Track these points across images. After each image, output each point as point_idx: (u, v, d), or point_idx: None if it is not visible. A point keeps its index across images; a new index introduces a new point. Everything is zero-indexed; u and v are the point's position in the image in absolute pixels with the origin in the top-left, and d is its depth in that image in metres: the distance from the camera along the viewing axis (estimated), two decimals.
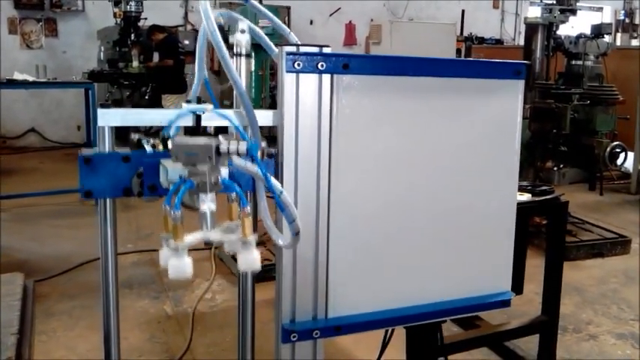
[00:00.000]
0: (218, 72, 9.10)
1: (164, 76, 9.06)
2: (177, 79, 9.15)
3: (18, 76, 7.04)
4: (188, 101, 1.31)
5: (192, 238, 1.06)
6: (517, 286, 2.91)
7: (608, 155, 5.39)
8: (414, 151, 1.36)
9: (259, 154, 1.17)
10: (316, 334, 1.30)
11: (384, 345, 1.88)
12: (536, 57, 5.93)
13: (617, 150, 5.40)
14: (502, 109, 1.43)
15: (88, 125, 7.59)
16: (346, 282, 1.34)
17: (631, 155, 6.72)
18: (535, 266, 3.72)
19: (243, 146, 1.03)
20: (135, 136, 1.39)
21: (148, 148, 1.34)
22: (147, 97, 9.35)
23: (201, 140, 1.06)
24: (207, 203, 1.07)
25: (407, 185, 1.36)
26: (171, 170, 1.09)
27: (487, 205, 1.44)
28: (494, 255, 1.48)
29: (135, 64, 9.23)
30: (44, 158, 10.06)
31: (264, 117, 1.32)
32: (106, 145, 1.25)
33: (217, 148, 1.03)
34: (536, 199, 2.85)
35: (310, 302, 1.32)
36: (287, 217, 1.12)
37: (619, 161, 5.41)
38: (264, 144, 1.23)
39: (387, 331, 1.89)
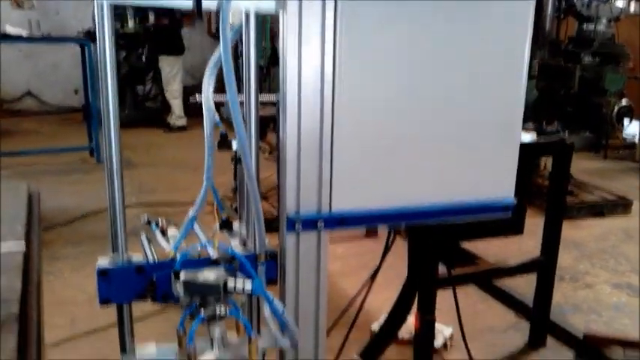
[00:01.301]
0: (216, 35, 8.98)
1: (161, 37, 8.93)
2: (174, 40, 9.01)
3: (11, 29, 6.60)
4: None
5: None
6: (517, 226, 2.93)
7: (616, 115, 5.36)
8: (421, 50, 1.35)
9: (262, 257, 1.32)
10: (320, 224, 1.32)
11: (386, 249, 1.90)
12: (547, 14, 5.81)
13: (625, 109, 5.36)
14: (513, 8, 1.41)
15: (86, 88, 7.48)
16: (350, 179, 1.35)
17: (636, 123, 6.67)
18: (535, 224, 3.76)
19: (248, 285, 1.17)
20: (144, 218, 1.49)
21: (158, 234, 1.44)
22: (144, 59, 9.24)
23: (210, 277, 1.17)
24: (217, 330, 1.21)
25: (413, 84, 1.36)
26: (183, 298, 1.20)
27: (493, 108, 1.45)
28: (499, 160, 1.49)
29: (130, 24, 9.05)
30: (42, 122, 10.04)
31: (267, 5, 1.29)
32: (105, 34, 1.23)
33: (225, 285, 1.16)
34: (542, 139, 2.85)
35: (314, 197, 1.33)
36: (288, 333, 1.27)
37: (626, 121, 5.38)
38: (267, 240, 1.34)
39: (389, 235, 1.92)
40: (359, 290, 1.97)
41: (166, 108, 9.60)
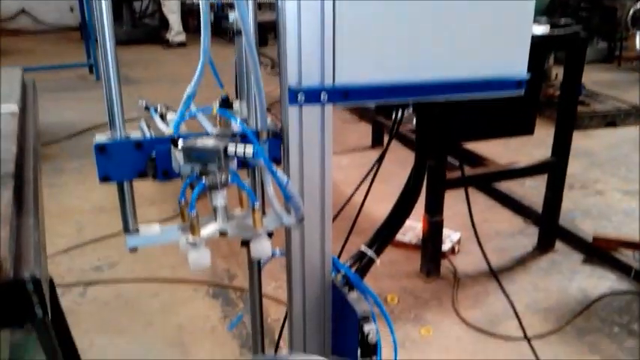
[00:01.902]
0: None
1: None
2: None
3: None
4: None
5: (208, 231, 1.15)
6: (528, 126, 2.84)
7: (631, 18, 5.12)
8: None
9: (264, 135, 1.25)
10: (324, 96, 1.23)
11: (395, 124, 1.82)
12: None
13: None
14: None
15: (82, 4, 7.19)
16: (354, 51, 1.25)
17: None
18: (546, 135, 3.67)
19: (249, 150, 1.10)
20: (142, 102, 1.42)
21: (157, 118, 1.36)
22: None
23: (209, 142, 1.13)
24: (219, 199, 1.16)
25: None
26: (184, 166, 1.15)
27: None
28: (511, 35, 1.37)
29: None
30: (40, 41, 9.79)
31: None
32: None
33: (225, 150, 1.11)
34: (555, 32, 2.69)
35: (316, 69, 1.23)
36: (293, 205, 1.20)
37: None
38: (269, 120, 1.27)
39: (394, 120, 1.83)
40: (360, 181, 1.91)
41: (165, 24, 9.30)
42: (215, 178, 1.10)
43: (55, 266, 2.88)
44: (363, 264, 1.58)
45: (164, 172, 1.22)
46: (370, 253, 1.58)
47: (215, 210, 1.15)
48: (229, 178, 1.12)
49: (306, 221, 1.27)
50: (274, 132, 1.27)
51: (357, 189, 1.83)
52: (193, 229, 1.09)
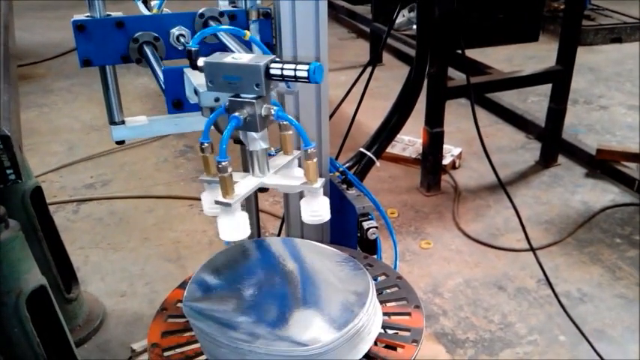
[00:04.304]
0: None
1: None
2: None
3: None
4: None
5: (243, 188, 0.82)
6: (532, 32, 2.70)
7: None
8: None
9: (254, 14, 1.12)
10: None
11: (392, 22, 1.70)
12: None
13: None
14: None
15: None
16: None
17: None
18: (549, 50, 3.51)
19: (303, 71, 0.73)
20: None
21: (140, 5, 1.25)
22: None
23: (244, 58, 0.77)
24: (258, 141, 0.83)
25: None
26: (204, 93, 0.82)
27: None
28: None
29: None
30: None
31: None
32: None
33: (267, 70, 0.76)
34: None
35: None
36: None
37: None
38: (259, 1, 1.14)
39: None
40: (355, 81, 1.81)
41: None
42: (253, 109, 0.78)
43: (47, 184, 2.82)
44: (362, 166, 1.50)
45: (175, 102, 1.02)
46: (369, 154, 1.50)
47: (252, 157, 0.86)
48: (273, 113, 0.81)
49: (301, 113, 1.19)
50: (265, 12, 1.17)
51: (349, 90, 1.73)
52: (225, 186, 0.79)
